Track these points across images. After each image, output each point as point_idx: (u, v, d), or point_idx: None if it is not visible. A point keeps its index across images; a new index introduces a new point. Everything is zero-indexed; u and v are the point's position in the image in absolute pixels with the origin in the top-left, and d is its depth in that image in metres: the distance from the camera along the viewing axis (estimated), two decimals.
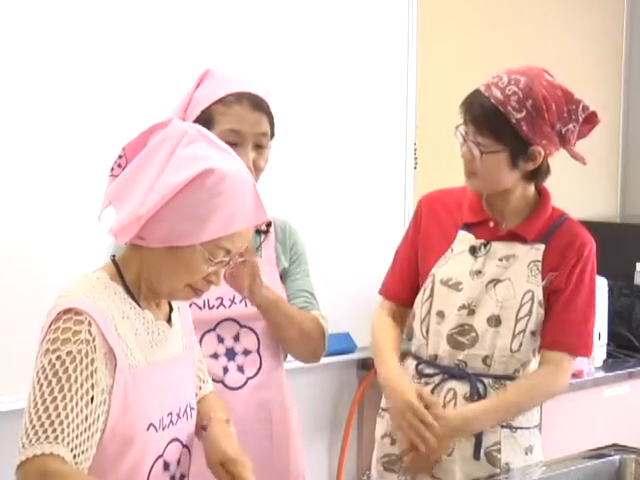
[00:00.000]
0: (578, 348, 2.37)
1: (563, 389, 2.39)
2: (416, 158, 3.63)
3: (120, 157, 1.71)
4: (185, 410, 1.76)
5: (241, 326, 2.18)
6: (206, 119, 2.07)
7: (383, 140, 3.54)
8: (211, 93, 2.10)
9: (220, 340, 2.16)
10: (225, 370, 2.16)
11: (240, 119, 2.09)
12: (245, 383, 2.18)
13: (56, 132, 2.75)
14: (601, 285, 3.70)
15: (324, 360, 3.41)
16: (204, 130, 1.70)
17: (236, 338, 2.18)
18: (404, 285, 2.45)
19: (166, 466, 1.72)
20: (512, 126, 2.21)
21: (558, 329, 2.32)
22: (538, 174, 2.33)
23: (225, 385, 2.16)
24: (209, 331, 2.15)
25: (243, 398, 2.17)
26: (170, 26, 2.94)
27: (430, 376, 2.36)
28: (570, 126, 2.26)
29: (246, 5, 3.12)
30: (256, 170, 2.11)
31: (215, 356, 2.16)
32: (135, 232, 1.62)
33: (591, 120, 2.30)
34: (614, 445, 2.39)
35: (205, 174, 1.59)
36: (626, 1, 4.63)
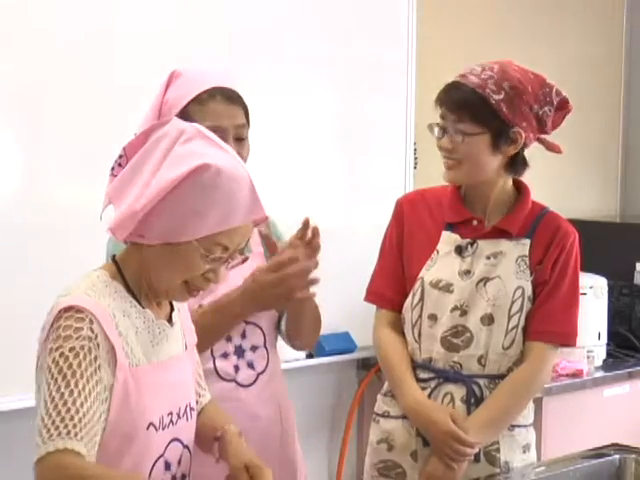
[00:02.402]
0: (561, 337, 2.36)
1: (546, 382, 2.39)
2: (416, 158, 3.63)
3: (120, 157, 1.71)
4: (185, 410, 1.76)
5: (246, 323, 2.18)
6: (183, 120, 2.07)
7: (383, 140, 3.54)
8: (184, 93, 2.10)
9: (228, 339, 2.16)
10: (236, 368, 2.17)
11: (218, 115, 2.09)
12: (256, 379, 2.19)
13: (57, 131, 2.75)
14: (601, 284, 3.71)
15: (324, 360, 3.44)
16: (202, 128, 1.70)
17: (243, 335, 2.18)
18: (398, 290, 2.41)
19: (167, 466, 1.72)
20: (492, 108, 2.24)
21: (540, 320, 2.31)
22: (516, 165, 2.33)
23: (237, 383, 2.17)
24: None
25: (255, 394, 2.19)
26: (170, 28, 2.94)
27: (426, 381, 2.35)
28: (546, 109, 2.28)
29: (245, 2, 3.12)
30: None
31: (225, 355, 2.16)
32: (132, 228, 1.62)
33: (564, 107, 2.32)
34: (614, 445, 2.39)
35: (201, 169, 1.59)
36: (626, 1, 4.63)
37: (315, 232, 2.10)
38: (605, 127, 4.57)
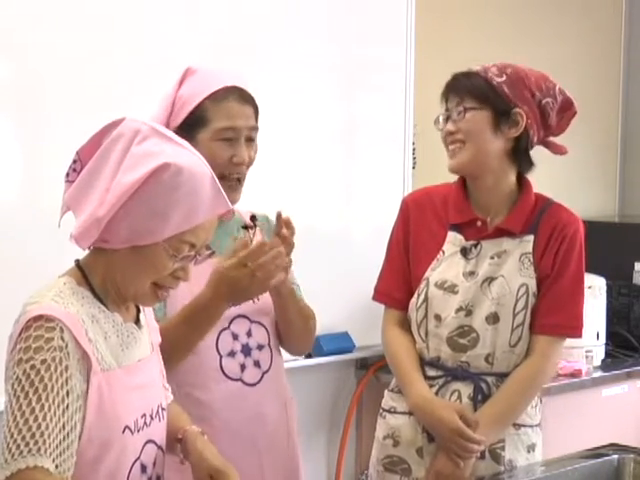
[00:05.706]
0: (566, 329, 2.36)
1: (552, 375, 2.40)
2: (414, 158, 3.63)
3: (75, 162, 1.68)
4: (157, 411, 1.75)
5: (251, 322, 2.19)
6: (198, 117, 2.07)
7: (382, 140, 3.54)
8: (200, 90, 2.09)
9: (235, 337, 2.16)
10: (242, 367, 2.17)
11: (233, 114, 2.08)
12: (262, 378, 2.19)
13: (57, 132, 2.74)
14: (600, 284, 3.71)
15: (322, 359, 3.44)
16: (157, 126, 1.67)
17: (249, 334, 2.18)
18: (406, 290, 2.42)
19: (143, 468, 1.71)
20: (494, 87, 2.28)
21: (544, 312, 2.31)
22: (520, 157, 2.33)
23: (244, 382, 2.17)
24: (224, 330, 2.15)
25: (261, 393, 2.19)
26: (171, 29, 2.94)
27: (434, 378, 2.36)
28: (549, 99, 2.31)
29: (244, 2, 3.12)
30: (249, 164, 2.12)
31: (232, 354, 2.15)
32: (96, 235, 1.60)
33: (567, 107, 2.35)
34: (612, 445, 2.39)
35: (161, 169, 1.57)
36: (624, 2, 4.63)
37: (288, 224, 2.06)
38: (604, 127, 4.58)
